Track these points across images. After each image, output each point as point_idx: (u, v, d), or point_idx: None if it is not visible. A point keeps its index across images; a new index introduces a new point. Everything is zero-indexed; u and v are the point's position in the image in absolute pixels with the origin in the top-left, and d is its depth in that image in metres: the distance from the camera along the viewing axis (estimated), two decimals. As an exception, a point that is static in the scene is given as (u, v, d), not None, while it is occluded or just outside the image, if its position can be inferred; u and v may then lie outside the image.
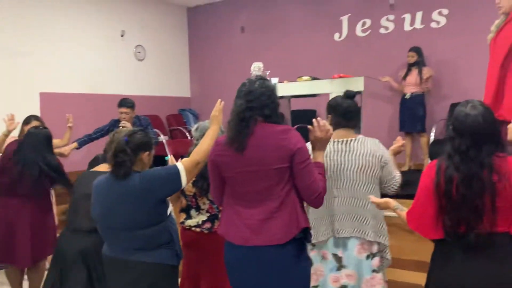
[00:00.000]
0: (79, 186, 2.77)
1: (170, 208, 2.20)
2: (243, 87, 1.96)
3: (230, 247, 1.96)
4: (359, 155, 2.28)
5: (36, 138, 3.38)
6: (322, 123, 1.98)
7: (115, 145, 2.04)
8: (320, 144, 2.01)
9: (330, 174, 2.27)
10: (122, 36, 6.40)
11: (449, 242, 1.73)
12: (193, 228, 2.50)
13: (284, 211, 1.87)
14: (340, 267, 2.31)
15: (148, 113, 6.37)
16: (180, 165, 2.10)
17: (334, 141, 2.31)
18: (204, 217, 2.51)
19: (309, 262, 2.03)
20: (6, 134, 3.84)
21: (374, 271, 2.28)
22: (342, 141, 2.31)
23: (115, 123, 4.37)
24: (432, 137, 5.39)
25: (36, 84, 5.28)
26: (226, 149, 1.93)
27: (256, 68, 4.08)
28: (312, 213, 2.29)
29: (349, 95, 2.38)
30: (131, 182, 2.02)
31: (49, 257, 3.72)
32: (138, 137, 2.09)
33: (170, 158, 2.81)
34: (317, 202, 1.91)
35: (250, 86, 1.93)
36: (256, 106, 1.89)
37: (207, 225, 2.50)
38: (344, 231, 2.29)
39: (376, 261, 2.30)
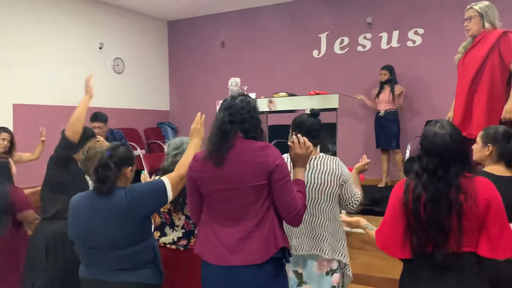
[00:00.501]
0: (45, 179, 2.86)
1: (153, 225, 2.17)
2: (224, 102, 1.97)
3: (207, 267, 1.92)
4: (319, 173, 2.29)
5: None
6: (302, 139, 1.98)
7: (98, 160, 1.98)
8: (301, 161, 2.01)
9: None
10: (100, 48, 6.34)
11: (416, 262, 1.73)
12: (168, 246, 2.45)
13: (262, 230, 1.84)
14: (301, 282, 2.31)
15: (126, 126, 6.31)
16: (166, 179, 2.08)
17: None
18: (179, 234, 2.46)
19: (287, 282, 1.99)
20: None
21: (333, 287, 2.29)
22: None
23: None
24: (407, 154, 5.47)
25: (10, 95, 5.17)
26: (203, 164, 1.90)
27: (234, 83, 4.08)
28: None
29: (314, 113, 2.40)
30: (116, 198, 1.96)
31: None
32: (121, 152, 2.05)
33: (144, 173, 2.77)
34: (296, 221, 1.89)
35: (231, 100, 1.95)
36: (237, 120, 1.89)
37: (183, 242, 2.45)
38: (302, 249, 2.29)
39: (335, 277, 2.30)
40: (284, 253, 1.90)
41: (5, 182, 3.36)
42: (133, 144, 6.07)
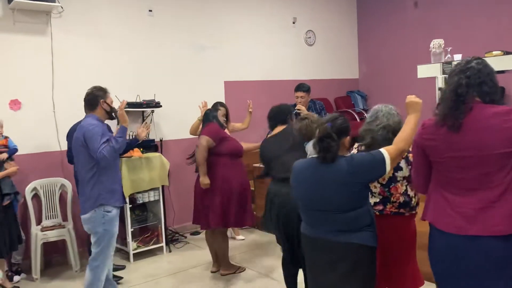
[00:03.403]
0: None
1: None
2: (458, 65, 1.89)
3: (441, 235, 1.88)
4: None
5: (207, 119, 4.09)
6: None
7: (321, 130, 2.13)
8: None
9: None
10: (294, 23, 6.64)
11: None
12: None
13: (508, 200, 1.73)
14: None
15: (317, 96, 6.54)
16: (385, 152, 2.13)
17: None
18: (376, 200, 2.53)
19: None
20: (201, 119, 4.44)
21: None
22: None
23: (292, 107, 4.61)
24: None
25: (221, 73, 5.90)
26: (435, 131, 1.86)
27: (436, 45, 3.83)
28: None
29: None
30: (338, 166, 2.10)
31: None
32: (340, 122, 2.17)
33: None
34: None
35: (466, 63, 1.86)
36: (474, 83, 1.79)
37: (379, 207, 2.51)
38: None
39: None
40: None
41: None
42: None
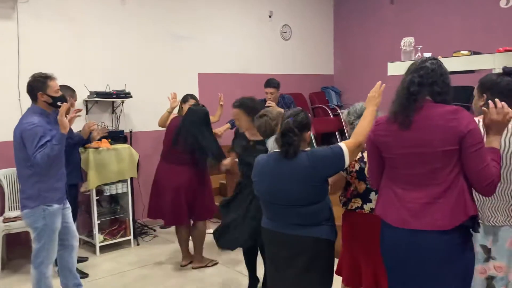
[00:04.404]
0: None
1: None
2: (413, 65, 1.96)
3: (388, 229, 1.95)
4: None
5: (196, 115, 3.85)
6: (500, 105, 1.85)
7: (284, 125, 2.15)
8: (496, 128, 1.88)
9: None
10: (270, 16, 6.61)
11: None
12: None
13: (450, 196, 1.79)
14: (488, 258, 2.14)
15: (292, 91, 6.55)
16: (344, 146, 2.16)
17: None
18: None
19: (473, 253, 1.91)
20: (170, 111, 4.39)
21: None
22: None
23: (263, 103, 4.60)
24: None
25: (195, 65, 5.82)
26: (387, 128, 1.92)
27: (407, 43, 3.86)
28: None
29: (509, 71, 2.16)
30: (300, 160, 2.11)
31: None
32: (302, 117, 2.19)
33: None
34: (488, 190, 1.80)
35: (421, 63, 1.92)
36: (426, 82, 1.85)
37: None
38: (495, 219, 2.11)
39: None
40: (473, 223, 1.83)
41: (211, 130, 3.95)
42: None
